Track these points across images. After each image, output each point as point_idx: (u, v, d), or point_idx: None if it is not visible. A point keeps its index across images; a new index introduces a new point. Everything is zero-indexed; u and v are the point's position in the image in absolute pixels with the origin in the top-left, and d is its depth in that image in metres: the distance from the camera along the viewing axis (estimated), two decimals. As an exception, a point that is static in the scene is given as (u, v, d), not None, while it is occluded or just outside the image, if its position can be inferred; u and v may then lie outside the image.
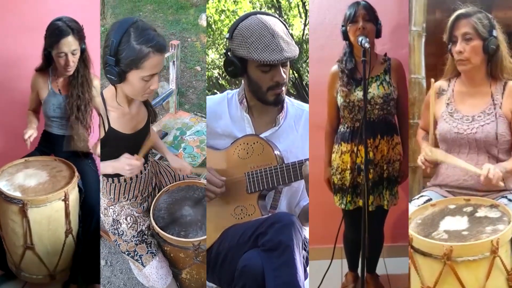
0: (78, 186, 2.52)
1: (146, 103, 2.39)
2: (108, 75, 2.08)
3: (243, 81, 2.27)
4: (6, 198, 2.34)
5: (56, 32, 2.50)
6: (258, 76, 2.14)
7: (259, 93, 2.19)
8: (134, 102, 2.30)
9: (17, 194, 2.36)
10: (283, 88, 2.17)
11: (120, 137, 2.26)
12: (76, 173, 2.50)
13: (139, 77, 2.08)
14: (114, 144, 2.27)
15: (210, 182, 2.21)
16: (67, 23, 2.50)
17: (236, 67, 2.16)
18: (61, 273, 2.54)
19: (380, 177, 2.44)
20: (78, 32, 2.53)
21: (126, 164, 2.22)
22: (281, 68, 2.11)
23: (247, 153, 2.22)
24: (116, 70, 2.05)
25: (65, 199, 2.39)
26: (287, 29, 2.18)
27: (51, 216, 2.39)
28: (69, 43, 2.50)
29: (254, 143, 2.22)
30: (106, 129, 2.23)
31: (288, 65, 2.17)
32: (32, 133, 2.56)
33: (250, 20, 2.14)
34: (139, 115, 2.35)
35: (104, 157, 2.30)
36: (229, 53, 2.18)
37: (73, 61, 2.54)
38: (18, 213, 2.33)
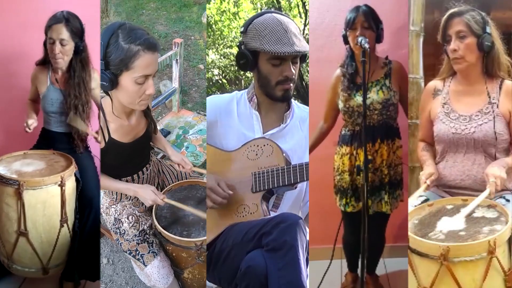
0: (76, 177, 2.51)
1: (146, 115, 2.39)
2: (101, 82, 2.07)
3: (253, 80, 2.32)
4: (2, 180, 2.34)
5: (51, 18, 2.54)
6: (268, 70, 2.19)
7: (268, 87, 2.23)
8: (133, 113, 2.30)
9: (14, 176, 2.36)
10: (291, 85, 2.22)
11: (120, 146, 2.28)
12: (74, 163, 2.51)
13: (131, 80, 2.05)
14: (115, 154, 2.29)
15: (213, 191, 2.20)
16: (64, 13, 2.54)
17: (247, 60, 2.21)
18: (55, 269, 2.52)
19: (381, 181, 2.44)
20: (72, 25, 2.54)
21: (150, 199, 2.27)
22: (291, 64, 2.16)
23: (256, 154, 2.24)
24: (107, 75, 2.04)
25: (61, 185, 2.39)
26: (300, 30, 2.23)
27: (47, 201, 2.38)
28: (58, 30, 2.52)
29: (264, 145, 2.23)
30: (106, 139, 2.24)
31: (298, 63, 2.22)
32: (32, 122, 2.56)
33: (265, 17, 2.21)
34: (139, 127, 2.35)
35: (106, 166, 2.33)
36: (242, 46, 2.23)
37: (60, 51, 2.54)
38: (14, 196, 2.32)
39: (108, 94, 2.19)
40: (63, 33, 2.52)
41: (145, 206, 2.45)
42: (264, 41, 2.14)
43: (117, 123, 2.25)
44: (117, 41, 2.01)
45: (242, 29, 2.24)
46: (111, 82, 2.05)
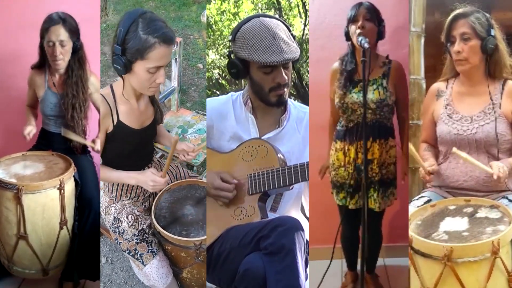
0: (75, 179, 2.51)
1: (153, 102, 2.38)
2: (115, 65, 2.08)
3: (247, 82, 2.30)
4: (1, 184, 2.33)
5: (47, 20, 2.53)
6: (260, 78, 2.17)
7: (261, 94, 2.21)
8: (142, 98, 2.31)
9: (13, 180, 2.36)
10: (285, 89, 2.19)
11: (128, 132, 2.27)
12: (73, 165, 2.50)
13: (144, 69, 2.07)
14: (122, 139, 2.28)
15: (221, 189, 2.21)
16: (60, 14, 2.53)
17: (238, 69, 2.19)
18: (55, 270, 2.52)
19: (370, 180, 2.42)
20: (70, 25, 2.54)
21: (151, 180, 2.25)
22: (282, 70, 2.13)
23: (251, 155, 2.24)
24: (123, 60, 2.05)
25: (61, 188, 2.38)
26: (290, 31, 2.20)
27: (46, 204, 2.37)
28: (57, 32, 2.51)
29: (258, 146, 2.23)
30: (115, 123, 2.23)
31: (290, 67, 2.19)
32: (31, 129, 2.57)
33: (252, 23, 2.17)
34: (147, 113, 2.35)
35: (110, 152, 2.31)
36: (232, 55, 2.21)
37: (61, 52, 2.53)
38: (13, 200, 2.32)
39: (121, 77, 2.19)
40: (62, 34, 2.52)
41: (145, 205, 2.45)
42: (252, 51, 2.11)
43: (127, 106, 2.25)
44: (136, 30, 2.03)
45: (230, 37, 2.22)
46: (125, 67, 2.07)
